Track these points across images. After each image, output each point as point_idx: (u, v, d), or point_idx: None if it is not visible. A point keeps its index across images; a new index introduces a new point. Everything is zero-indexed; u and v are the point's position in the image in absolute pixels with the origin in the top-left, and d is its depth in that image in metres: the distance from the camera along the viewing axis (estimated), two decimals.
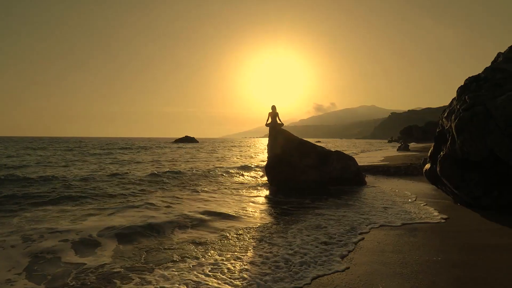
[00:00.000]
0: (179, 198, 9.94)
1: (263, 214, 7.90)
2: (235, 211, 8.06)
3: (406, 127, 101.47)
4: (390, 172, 16.20)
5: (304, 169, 12.59)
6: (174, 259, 4.83)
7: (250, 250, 5.28)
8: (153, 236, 6.00)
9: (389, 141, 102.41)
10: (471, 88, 7.29)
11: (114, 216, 7.21)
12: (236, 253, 5.08)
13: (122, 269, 4.47)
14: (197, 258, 4.88)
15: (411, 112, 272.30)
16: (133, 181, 13.22)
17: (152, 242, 5.71)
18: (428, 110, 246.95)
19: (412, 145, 50.78)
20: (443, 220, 6.89)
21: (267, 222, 7.09)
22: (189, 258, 4.90)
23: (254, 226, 6.68)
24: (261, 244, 5.52)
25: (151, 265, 4.62)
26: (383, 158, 27.46)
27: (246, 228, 6.56)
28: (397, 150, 41.06)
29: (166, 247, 5.43)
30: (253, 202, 9.56)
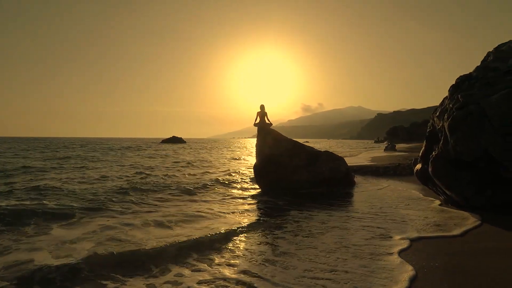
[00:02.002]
0: (158, 211, 8.23)
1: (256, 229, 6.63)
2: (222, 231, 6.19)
3: (391, 127, 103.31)
4: (379, 172, 16.14)
5: (293, 170, 12.32)
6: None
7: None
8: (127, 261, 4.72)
9: (376, 142, 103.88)
10: (463, 87, 7.17)
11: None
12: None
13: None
14: None
15: (396, 113, 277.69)
16: (108, 190, 10.88)
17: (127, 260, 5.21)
18: (413, 111, 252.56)
19: (398, 145, 51.51)
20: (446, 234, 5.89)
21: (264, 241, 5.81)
22: None
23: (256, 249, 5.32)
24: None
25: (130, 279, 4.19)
26: (370, 158, 27.60)
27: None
28: (384, 150, 41.50)
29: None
30: (244, 211, 8.53)
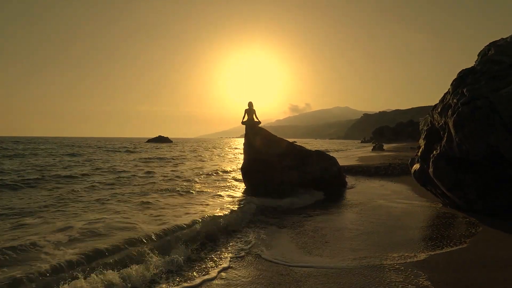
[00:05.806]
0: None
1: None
2: None
3: (378, 127, 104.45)
4: (371, 172, 15.70)
5: (283, 170, 11.64)
6: None
7: None
8: None
9: (362, 141, 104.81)
10: (468, 81, 6.65)
11: None
12: None
13: None
14: None
15: (382, 114, 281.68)
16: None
17: None
18: (398, 111, 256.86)
19: (385, 145, 51.80)
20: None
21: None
22: None
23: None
24: None
25: None
26: (358, 158, 27.29)
27: None
28: (372, 150, 41.47)
29: None
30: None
